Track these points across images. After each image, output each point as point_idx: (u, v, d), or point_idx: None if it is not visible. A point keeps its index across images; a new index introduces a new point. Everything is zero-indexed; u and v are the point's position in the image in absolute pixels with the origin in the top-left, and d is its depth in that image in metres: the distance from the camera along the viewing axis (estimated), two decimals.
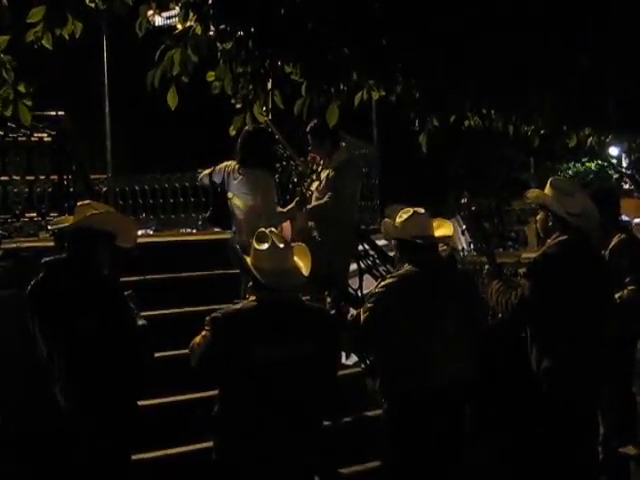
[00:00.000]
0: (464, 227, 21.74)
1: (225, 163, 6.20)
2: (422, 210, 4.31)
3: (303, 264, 3.72)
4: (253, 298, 3.65)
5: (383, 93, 4.99)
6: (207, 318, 3.63)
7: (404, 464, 4.14)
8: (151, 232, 11.45)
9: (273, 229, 3.77)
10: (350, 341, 4.27)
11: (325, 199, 6.16)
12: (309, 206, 6.26)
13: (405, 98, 5.09)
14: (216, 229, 7.13)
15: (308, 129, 6.35)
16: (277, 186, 6.61)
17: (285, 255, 3.67)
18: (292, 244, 3.78)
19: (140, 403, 4.08)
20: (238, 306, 3.66)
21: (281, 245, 3.67)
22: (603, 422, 5.03)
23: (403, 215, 4.29)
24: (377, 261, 6.75)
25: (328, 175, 6.29)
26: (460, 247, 15.14)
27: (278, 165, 8.36)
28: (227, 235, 6.29)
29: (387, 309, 4.11)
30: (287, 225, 6.37)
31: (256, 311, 3.59)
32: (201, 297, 5.81)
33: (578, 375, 4.18)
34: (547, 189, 4.42)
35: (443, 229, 4.36)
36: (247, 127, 5.28)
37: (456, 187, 25.32)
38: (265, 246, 3.66)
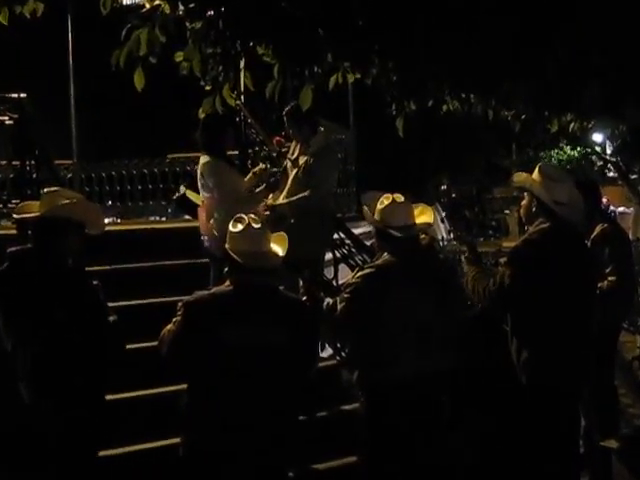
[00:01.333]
0: (443, 215, 21.85)
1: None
2: (401, 197, 4.32)
3: (280, 248, 3.79)
4: (228, 284, 3.70)
5: (358, 76, 4.98)
6: (179, 303, 3.66)
7: (380, 458, 4.17)
8: (118, 220, 11.42)
9: (252, 215, 3.82)
10: (325, 331, 4.28)
11: (307, 192, 6.15)
12: (291, 199, 6.24)
13: (381, 81, 5.08)
14: (187, 217, 7.13)
15: (285, 112, 6.34)
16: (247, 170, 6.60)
17: (262, 236, 3.74)
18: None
19: (109, 397, 4.08)
20: (213, 290, 3.72)
21: (257, 226, 3.73)
22: (585, 415, 5.09)
23: (384, 202, 4.30)
24: (353, 250, 6.77)
25: (307, 162, 6.28)
26: (440, 236, 15.19)
27: (250, 150, 8.35)
28: (197, 224, 6.30)
29: (364, 299, 4.13)
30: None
31: (232, 295, 3.64)
32: (170, 288, 5.81)
33: (559, 367, 4.21)
34: (535, 174, 4.42)
35: (424, 216, 4.37)
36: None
37: (435, 174, 25.43)
38: (240, 227, 3.72)
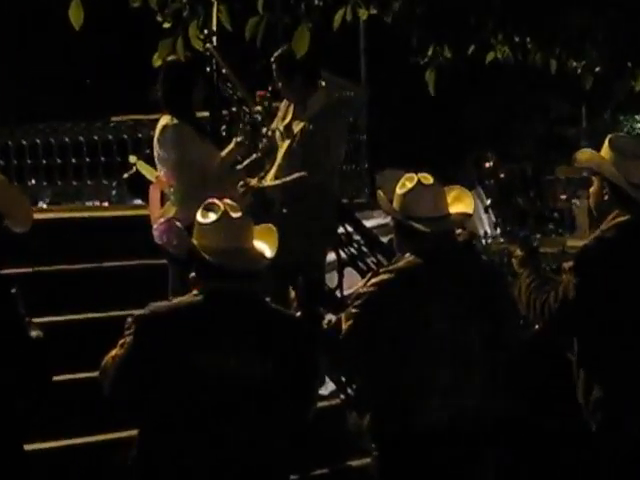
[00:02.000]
0: (488, 203, 21.84)
1: None
2: (430, 178, 4.32)
3: (267, 245, 3.83)
4: (195, 292, 3.73)
5: (374, 10, 4.99)
6: (128, 319, 3.69)
7: None
8: (44, 205, 11.43)
9: (228, 200, 3.84)
10: (326, 360, 4.30)
11: (303, 172, 6.17)
12: (283, 180, 6.27)
13: (405, 18, 5.09)
14: (140, 202, 7.17)
15: (273, 58, 6.36)
16: (227, 141, 6.62)
17: (243, 229, 3.77)
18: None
19: (28, 447, 4.08)
20: (175, 301, 3.76)
21: (235, 215, 3.75)
22: None
23: (406, 184, 4.31)
24: (363, 249, 6.80)
25: (304, 130, 6.30)
26: (482, 231, 15.23)
27: (225, 112, 8.36)
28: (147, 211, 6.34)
29: (379, 316, 4.14)
30: None
31: (201, 307, 3.67)
32: (115, 298, 5.83)
33: None
34: (604, 150, 4.44)
35: (461, 204, 4.38)
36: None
37: (476, 146, 25.40)
38: (213, 217, 3.74)
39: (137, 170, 6.49)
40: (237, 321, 3.68)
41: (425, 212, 4.26)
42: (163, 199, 6.15)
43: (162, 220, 5.84)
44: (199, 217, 3.78)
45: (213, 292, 3.70)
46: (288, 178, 6.25)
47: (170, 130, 6.06)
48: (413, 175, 4.33)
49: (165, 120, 6.12)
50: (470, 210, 4.41)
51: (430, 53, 5.51)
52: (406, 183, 4.32)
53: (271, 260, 3.81)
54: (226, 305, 3.69)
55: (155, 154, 6.18)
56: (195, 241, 3.75)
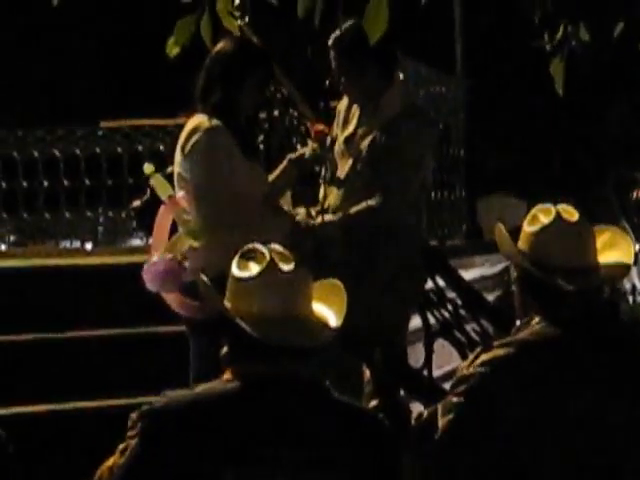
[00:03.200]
0: (639, 248, 21.63)
1: None
2: (574, 213, 4.32)
3: (333, 310, 3.82)
4: (229, 376, 3.72)
5: None
6: (132, 415, 3.68)
7: None
8: (3, 248, 11.56)
9: (277, 246, 3.80)
10: (416, 470, 4.30)
11: (375, 200, 6.18)
12: (343, 214, 6.27)
13: None
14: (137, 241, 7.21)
15: (332, 41, 6.39)
16: (263, 155, 6.65)
17: (296, 287, 3.74)
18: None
19: None
20: (199, 389, 3.73)
21: (287, 267, 3.72)
22: None
23: (539, 219, 4.30)
24: (461, 312, 6.86)
25: (373, 143, 6.33)
26: (628, 284, 15.09)
27: (264, 115, 8.45)
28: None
29: (492, 410, 4.15)
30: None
31: (236, 400, 3.65)
32: (111, 382, 5.86)
33: None
34: None
35: (615, 252, 4.39)
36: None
37: (620, 163, 25.25)
38: (255, 269, 3.71)
39: (151, 194, 6.38)
40: (288, 421, 3.66)
41: (568, 260, 4.27)
42: (174, 229, 6.14)
43: (167, 257, 5.83)
44: (235, 269, 3.76)
45: (254, 378, 3.69)
46: (352, 210, 6.28)
47: (201, 134, 6.08)
48: (550, 207, 4.34)
49: (197, 121, 6.15)
50: (629, 260, 4.41)
51: (559, 35, 5.49)
52: (539, 217, 4.32)
53: (337, 331, 3.80)
54: (273, 397, 3.67)
55: (175, 168, 6.20)
56: (229, 303, 3.75)
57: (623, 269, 4.42)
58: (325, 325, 3.79)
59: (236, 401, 3.67)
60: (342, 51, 6.36)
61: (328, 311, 3.83)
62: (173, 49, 4.78)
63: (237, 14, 4.77)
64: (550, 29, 5.47)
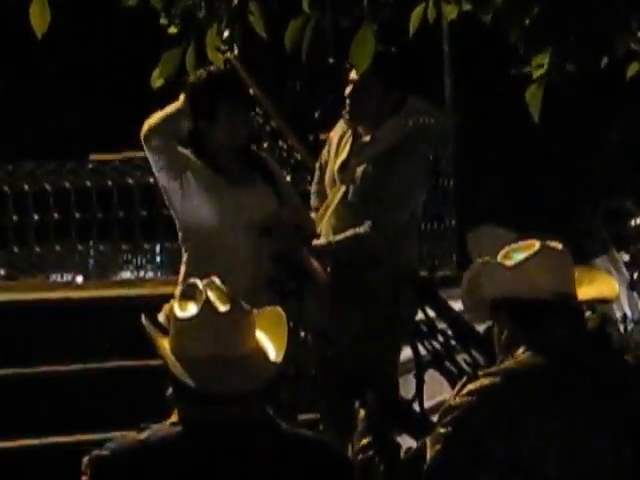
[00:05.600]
0: (636, 276, 21.54)
1: None
2: (558, 245, 4.35)
3: (275, 344, 3.72)
4: (175, 419, 3.67)
5: (468, 6, 5.04)
6: (84, 459, 3.63)
7: None
8: None
9: (215, 280, 3.72)
10: None
11: (364, 228, 6.19)
12: (334, 238, 6.28)
13: (512, 15, 5.12)
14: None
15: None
16: None
17: (232, 329, 3.64)
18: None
19: None
20: (145, 435, 3.66)
21: (223, 308, 3.64)
22: None
23: (522, 251, 4.32)
24: (452, 342, 6.88)
25: (366, 173, 6.33)
26: (619, 313, 15.06)
27: (253, 147, 8.47)
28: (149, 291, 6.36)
29: (478, 440, 4.15)
30: None
31: (179, 444, 3.61)
32: (87, 417, 5.86)
33: None
34: None
35: (595, 287, 4.41)
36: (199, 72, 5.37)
37: (610, 191, 25.26)
38: (193, 311, 3.64)
39: None
40: (232, 465, 3.62)
41: (551, 285, 4.27)
42: None
43: None
44: (176, 308, 3.68)
45: (196, 423, 3.63)
46: (340, 236, 6.31)
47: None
48: (534, 241, 4.35)
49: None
50: (612, 294, 4.45)
51: (539, 62, 5.45)
52: (524, 251, 4.33)
53: (278, 365, 3.69)
54: (216, 441, 3.62)
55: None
56: (168, 344, 3.68)
57: (604, 300, 4.49)
58: (265, 361, 3.69)
59: (180, 446, 3.61)
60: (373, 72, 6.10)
61: (269, 343, 3.74)
62: (157, 80, 4.79)
63: (224, 48, 4.76)
64: (533, 57, 5.48)
